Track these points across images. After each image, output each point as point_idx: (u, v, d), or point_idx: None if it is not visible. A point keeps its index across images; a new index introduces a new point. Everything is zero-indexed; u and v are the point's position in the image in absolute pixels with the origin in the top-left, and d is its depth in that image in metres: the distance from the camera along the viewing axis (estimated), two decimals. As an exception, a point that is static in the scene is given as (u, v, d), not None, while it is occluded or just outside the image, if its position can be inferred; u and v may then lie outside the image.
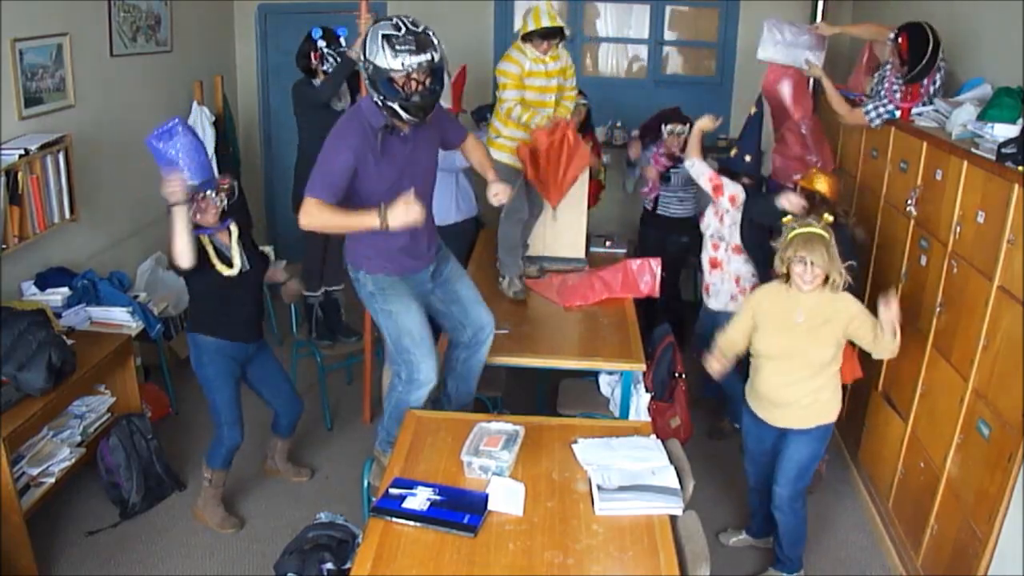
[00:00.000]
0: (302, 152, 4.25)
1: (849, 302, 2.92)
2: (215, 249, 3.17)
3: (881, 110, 3.66)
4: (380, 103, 2.64)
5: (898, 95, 3.57)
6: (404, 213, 2.64)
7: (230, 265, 3.18)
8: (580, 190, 4.20)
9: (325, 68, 4.09)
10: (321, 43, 4.05)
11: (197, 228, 3.10)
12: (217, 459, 3.43)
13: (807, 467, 3.08)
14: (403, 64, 2.54)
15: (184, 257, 2.98)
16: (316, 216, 2.69)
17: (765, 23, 4.25)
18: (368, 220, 2.68)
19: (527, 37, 3.74)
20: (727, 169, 3.96)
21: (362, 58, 2.63)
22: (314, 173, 2.73)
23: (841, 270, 2.84)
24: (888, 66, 3.70)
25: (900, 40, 3.45)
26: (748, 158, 3.97)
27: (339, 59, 4.07)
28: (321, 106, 4.06)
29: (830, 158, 4.34)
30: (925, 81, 3.48)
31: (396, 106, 2.61)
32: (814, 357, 2.93)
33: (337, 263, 4.55)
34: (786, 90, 4.29)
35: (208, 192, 3.10)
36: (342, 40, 4.11)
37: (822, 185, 3.50)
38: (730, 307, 3.83)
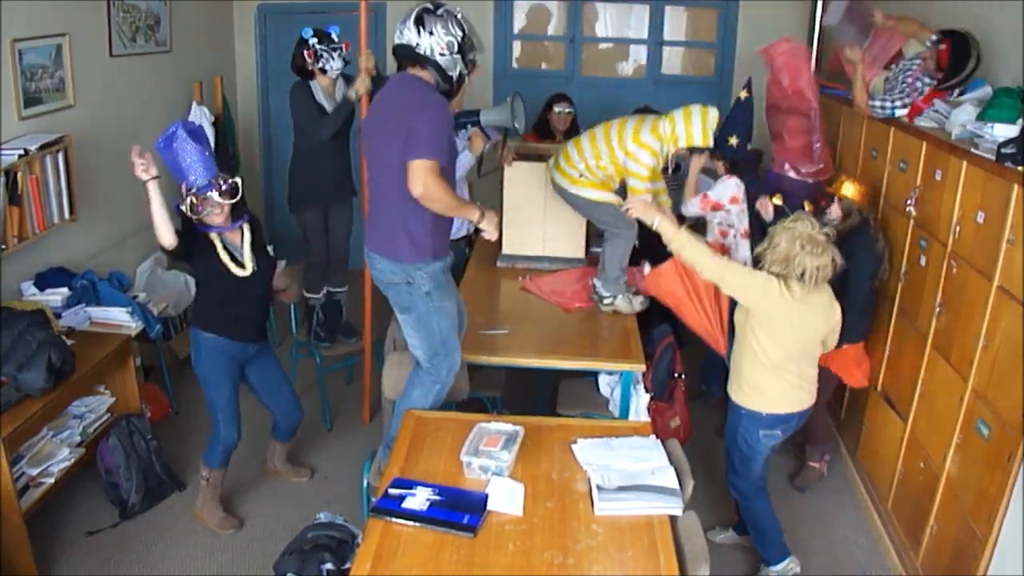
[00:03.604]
0: (297, 153, 4.26)
1: (839, 311, 2.98)
2: (224, 248, 3.16)
3: (887, 106, 3.67)
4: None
5: (920, 94, 3.56)
6: None
7: (242, 266, 3.17)
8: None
9: (321, 66, 4.08)
10: (313, 40, 4.05)
11: (206, 227, 3.10)
12: (215, 458, 3.43)
13: None
14: None
15: (163, 236, 2.96)
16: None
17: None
18: None
19: (695, 149, 3.60)
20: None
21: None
22: None
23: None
24: (916, 63, 3.65)
25: (943, 46, 3.39)
26: (734, 140, 3.87)
27: (333, 55, 4.07)
28: (317, 109, 4.07)
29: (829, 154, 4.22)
30: (955, 92, 3.41)
31: None
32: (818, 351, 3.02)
33: (340, 264, 4.54)
34: (806, 72, 4.02)
35: (209, 193, 3.02)
36: (334, 36, 4.10)
37: (849, 190, 3.47)
38: None
